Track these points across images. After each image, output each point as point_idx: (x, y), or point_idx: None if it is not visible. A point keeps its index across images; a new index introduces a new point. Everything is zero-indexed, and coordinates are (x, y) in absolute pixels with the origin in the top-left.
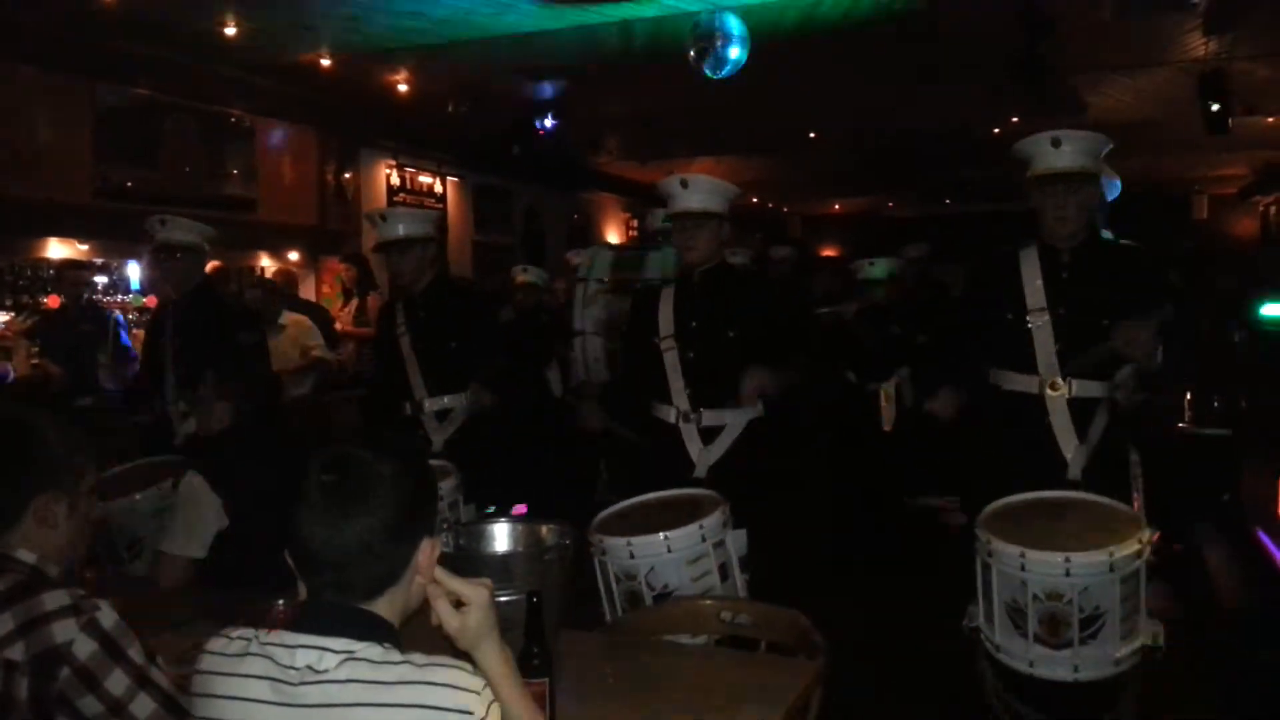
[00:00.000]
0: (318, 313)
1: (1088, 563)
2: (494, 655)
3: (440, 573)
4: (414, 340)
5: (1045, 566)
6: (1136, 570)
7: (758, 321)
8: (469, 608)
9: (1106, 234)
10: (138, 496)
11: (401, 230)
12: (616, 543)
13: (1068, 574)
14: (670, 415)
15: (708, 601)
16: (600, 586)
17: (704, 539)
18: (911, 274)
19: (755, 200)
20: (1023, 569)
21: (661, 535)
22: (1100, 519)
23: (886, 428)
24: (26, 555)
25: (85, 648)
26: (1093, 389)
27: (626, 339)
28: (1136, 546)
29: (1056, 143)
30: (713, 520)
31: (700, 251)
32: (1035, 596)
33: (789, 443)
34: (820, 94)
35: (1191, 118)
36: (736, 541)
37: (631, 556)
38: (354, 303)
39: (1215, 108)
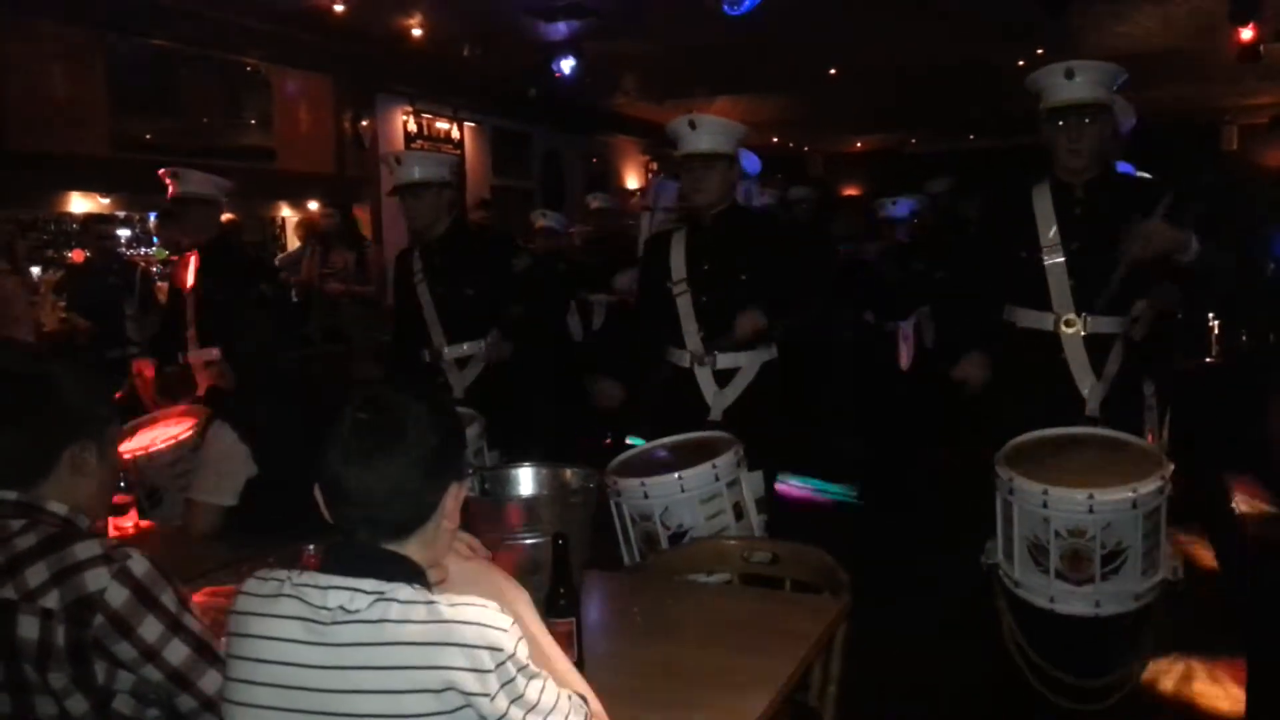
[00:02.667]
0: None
1: (1111, 499)
2: (509, 600)
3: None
4: (432, 287)
5: (1068, 503)
6: (1158, 506)
7: (770, 263)
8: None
9: (1127, 166)
10: (154, 447)
11: (417, 173)
12: (631, 483)
13: (1091, 510)
14: (684, 359)
15: (732, 541)
16: (617, 528)
17: (717, 478)
18: (934, 210)
19: (776, 139)
20: (1045, 506)
21: (675, 475)
22: (1121, 454)
23: (904, 366)
24: (58, 507)
25: (118, 595)
26: (1108, 324)
27: (640, 285)
28: (1159, 483)
29: (1070, 74)
30: (726, 460)
31: (710, 194)
32: (1057, 533)
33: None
34: (840, 29)
35: (1222, 46)
36: (752, 483)
37: (646, 497)
38: (315, 252)
39: (1247, 34)
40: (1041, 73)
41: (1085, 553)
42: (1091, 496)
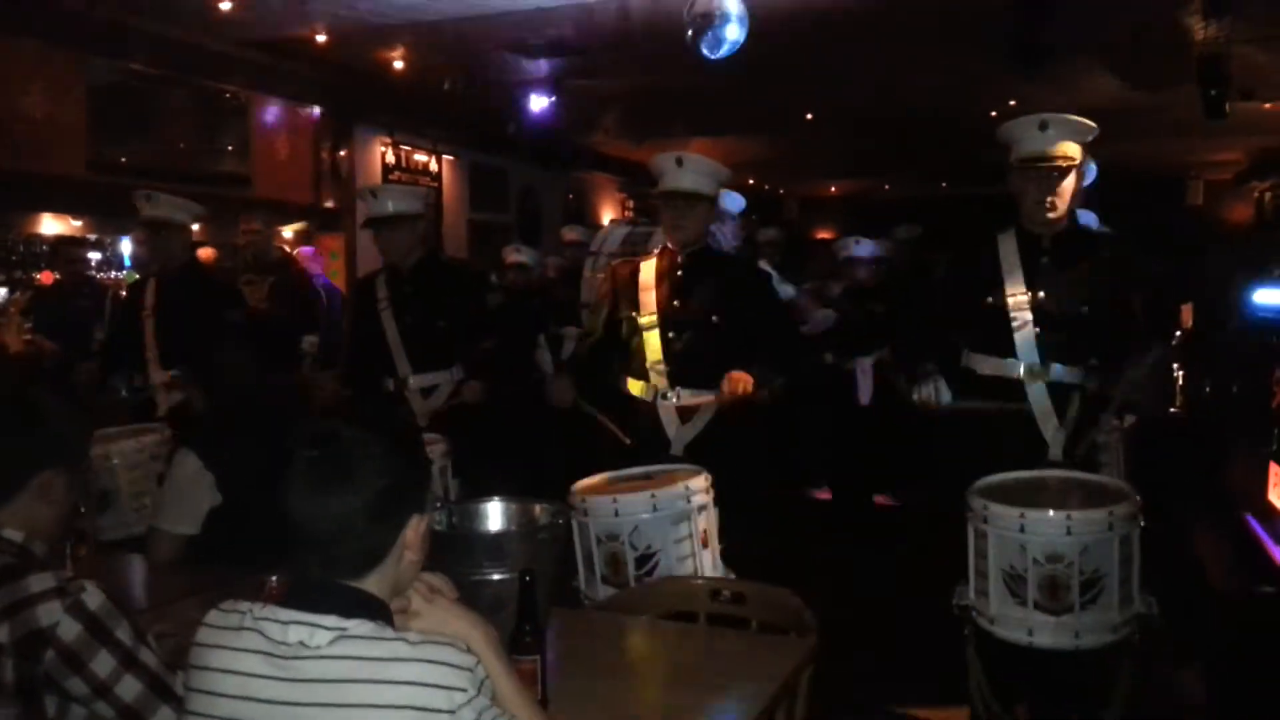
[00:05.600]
0: (339, 292)
1: (1089, 519)
2: (477, 639)
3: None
4: (399, 316)
5: (1046, 526)
6: (1132, 534)
7: (740, 305)
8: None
9: (1089, 215)
10: (113, 448)
11: (391, 207)
12: (601, 501)
13: (1069, 532)
14: (648, 393)
15: (699, 580)
16: (579, 554)
17: (689, 499)
18: (902, 255)
19: (752, 181)
20: (1022, 530)
21: (648, 493)
22: (1089, 490)
23: (863, 401)
24: (13, 534)
25: (70, 630)
26: (1070, 373)
27: (603, 310)
28: (1133, 509)
29: (1044, 126)
30: (698, 482)
31: (688, 231)
32: (1035, 560)
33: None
34: (817, 75)
35: (1188, 102)
36: (712, 518)
37: (616, 515)
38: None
39: (1213, 92)
40: (1014, 124)
41: (1063, 580)
42: (1069, 517)
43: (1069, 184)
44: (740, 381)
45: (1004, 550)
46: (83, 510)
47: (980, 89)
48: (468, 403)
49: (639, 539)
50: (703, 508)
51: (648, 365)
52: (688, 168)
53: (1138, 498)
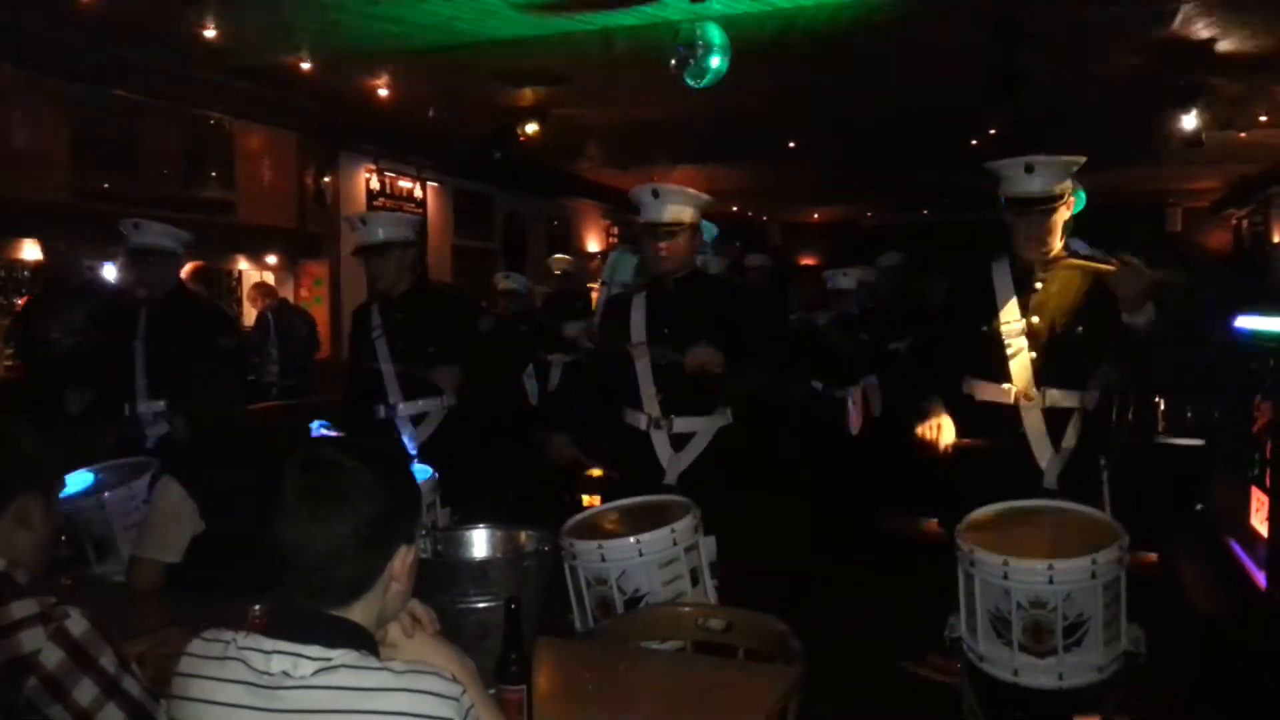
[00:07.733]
0: (303, 317)
1: (1071, 569)
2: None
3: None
4: (391, 343)
5: (1028, 574)
6: (1118, 577)
7: (729, 330)
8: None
9: (1078, 242)
10: (106, 496)
11: (381, 234)
12: (587, 546)
13: (1051, 581)
14: (641, 422)
15: (686, 608)
16: (571, 592)
17: (675, 542)
18: (887, 283)
19: (735, 209)
20: (1005, 578)
21: (633, 539)
22: (1079, 526)
23: (853, 431)
24: None
25: (53, 657)
26: (1066, 398)
27: (599, 345)
28: (1118, 553)
29: (1030, 168)
30: (684, 524)
31: (672, 260)
32: (1019, 605)
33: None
34: (800, 104)
35: (1166, 132)
36: (706, 547)
37: (603, 560)
38: None
39: (1189, 122)
40: (1003, 163)
41: (1047, 624)
42: (1051, 567)
43: (1057, 220)
44: (707, 355)
45: (989, 593)
46: (91, 559)
47: (961, 117)
48: (456, 401)
49: (626, 582)
50: (691, 547)
51: (640, 393)
52: (664, 198)
53: (1127, 538)
